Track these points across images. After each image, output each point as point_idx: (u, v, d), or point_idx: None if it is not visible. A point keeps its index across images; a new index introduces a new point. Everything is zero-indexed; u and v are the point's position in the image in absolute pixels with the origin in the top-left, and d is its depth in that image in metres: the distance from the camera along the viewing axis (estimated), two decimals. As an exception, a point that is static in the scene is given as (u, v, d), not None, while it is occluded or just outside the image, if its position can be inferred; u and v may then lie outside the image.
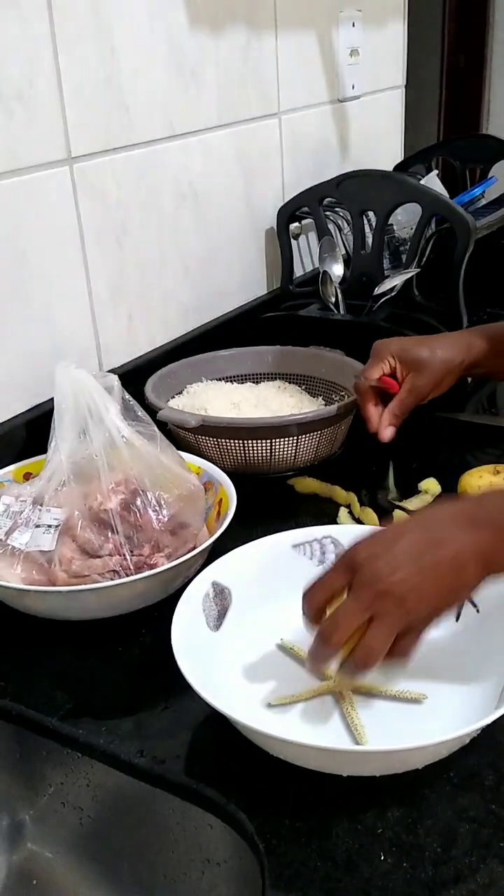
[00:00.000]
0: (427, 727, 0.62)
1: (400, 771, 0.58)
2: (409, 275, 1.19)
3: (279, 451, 0.95)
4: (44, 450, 0.79)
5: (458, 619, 0.70)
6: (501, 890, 0.52)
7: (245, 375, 1.13)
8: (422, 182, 1.29)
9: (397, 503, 0.92)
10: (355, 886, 0.52)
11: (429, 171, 1.50)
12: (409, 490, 0.94)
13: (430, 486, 0.94)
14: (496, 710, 0.56)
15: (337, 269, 1.25)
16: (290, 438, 0.94)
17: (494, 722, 0.56)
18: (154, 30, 1.03)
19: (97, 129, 0.98)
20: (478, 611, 0.69)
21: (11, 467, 0.88)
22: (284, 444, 0.94)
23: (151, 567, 0.73)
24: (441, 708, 0.64)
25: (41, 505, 0.76)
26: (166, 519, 0.76)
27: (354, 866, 0.53)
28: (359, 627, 0.56)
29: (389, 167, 1.54)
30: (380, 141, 1.62)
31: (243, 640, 0.69)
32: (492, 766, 0.60)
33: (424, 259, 1.24)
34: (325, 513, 0.91)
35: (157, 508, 0.76)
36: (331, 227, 1.30)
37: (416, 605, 0.56)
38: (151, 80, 1.05)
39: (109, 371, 1.03)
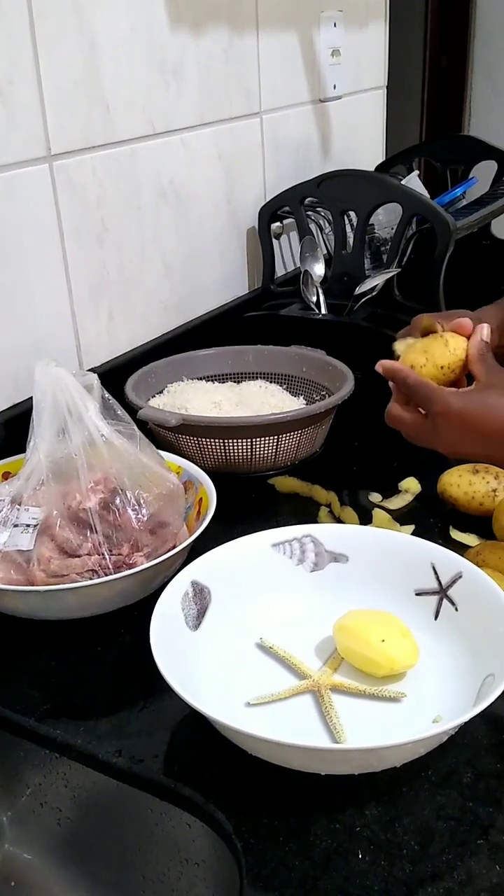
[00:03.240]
0: (405, 725, 0.63)
1: (378, 769, 0.58)
2: (390, 275, 1.19)
3: (260, 451, 0.95)
4: (22, 449, 0.79)
5: (437, 617, 0.70)
6: (478, 887, 0.52)
7: (226, 375, 1.13)
8: (403, 182, 1.29)
9: (377, 503, 0.92)
10: (333, 885, 0.52)
11: (410, 171, 1.51)
12: (389, 489, 0.94)
13: (411, 485, 0.94)
14: (473, 709, 0.56)
15: (318, 269, 1.25)
16: (271, 438, 0.94)
17: (472, 720, 0.56)
18: (135, 28, 1.03)
19: (77, 127, 0.98)
20: (456, 609, 0.69)
21: (-10, 466, 0.87)
22: (265, 444, 0.94)
23: (130, 566, 0.73)
24: (420, 706, 0.64)
25: (19, 504, 0.76)
26: (146, 518, 0.76)
27: (332, 865, 0.53)
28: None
29: (371, 167, 1.55)
30: (361, 141, 1.63)
31: (223, 640, 0.69)
32: (469, 764, 0.60)
33: (405, 259, 1.25)
34: (305, 512, 0.91)
35: (137, 507, 0.76)
36: (312, 226, 1.30)
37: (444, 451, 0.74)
38: (132, 78, 1.04)
39: (89, 370, 1.02)
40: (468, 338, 0.74)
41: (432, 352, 0.74)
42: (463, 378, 0.75)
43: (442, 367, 0.73)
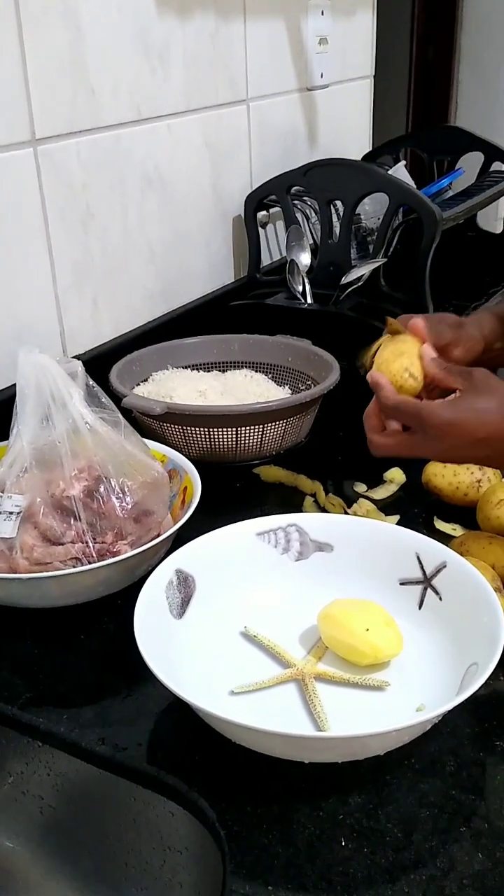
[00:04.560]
0: (389, 714, 0.63)
1: (361, 757, 0.58)
2: (376, 264, 1.19)
3: (245, 440, 0.94)
4: (5, 436, 0.78)
5: (421, 607, 0.71)
6: (461, 874, 0.52)
7: (211, 363, 1.12)
8: (389, 172, 1.29)
9: (362, 493, 0.92)
10: (316, 872, 0.52)
11: (396, 161, 1.50)
12: (374, 479, 0.94)
13: (395, 475, 0.94)
14: (456, 697, 0.56)
15: (304, 258, 1.25)
16: (256, 427, 0.94)
17: (455, 709, 0.56)
18: (121, 12, 1.02)
19: (62, 111, 0.97)
20: (440, 599, 0.69)
21: (-28, 453, 0.86)
22: (250, 433, 0.94)
23: (114, 555, 0.73)
24: (403, 695, 0.64)
25: (2, 491, 0.75)
26: (130, 506, 0.75)
27: (315, 852, 0.54)
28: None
29: (358, 157, 1.54)
30: (348, 130, 1.62)
31: (207, 628, 0.69)
32: (452, 752, 0.60)
33: (391, 249, 1.25)
34: (290, 501, 0.91)
35: (121, 496, 0.75)
36: (298, 215, 1.30)
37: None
38: (118, 62, 1.03)
39: (74, 357, 1.01)
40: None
41: (392, 370, 0.73)
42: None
43: (425, 377, 0.74)
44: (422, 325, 0.74)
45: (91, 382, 0.78)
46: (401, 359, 0.74)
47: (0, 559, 0.73)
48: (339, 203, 1.25)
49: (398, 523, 0.84)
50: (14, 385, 0.76)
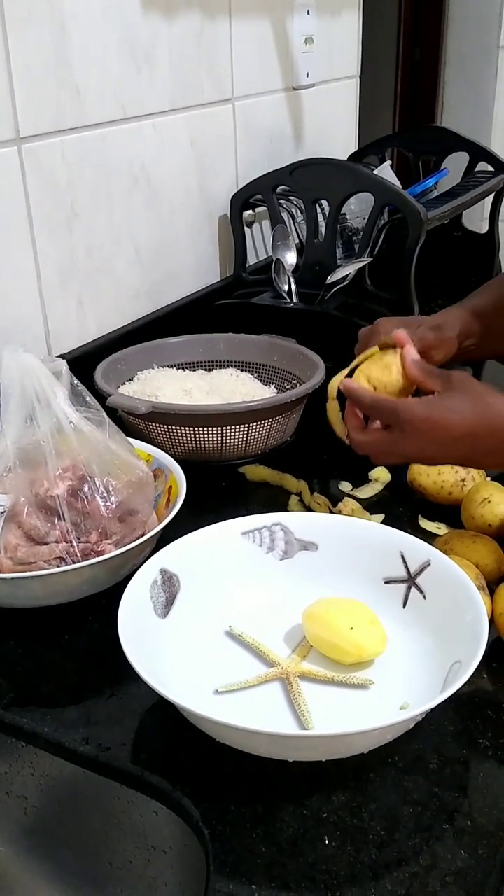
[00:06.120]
0: (373, 712, 0.63)
1: (345, 756, 0.58)
2: (362, 264, 1.20)
3: (230, 439, 0.94)
4: (-11, 435, 0.78)
5: (405, 605, 0.71)
6: (444, 871, 0.52)
7: (197, 363, 1.12)
8: (375, 172, 1.29)
9: (348, 492, 0.92)
10: (300, 870, 0.52)
11: (382, 161, 1.51)
12: (359, 478, 0.94)
13: (381, 474, 0.94)
14: (440, 695, 0.57)
15: (290, 258, 1.25)
16: (242, 426, 0.94)
17: (438, 707, 0.56)
18: (106, 10, 1.02)
19: (47, 110, 0.97)
20: (424, 597, 0.70)
21: (-44, 453, 0.86)
22: (235, 432, 0.94)
23: (99, 554, 0.72)
24: (387, 693, 0.64)
25: (-14, 491, 0.75)
26: (114, 506, 0.75)
27: (299, 851, 0.54)
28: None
29: (343, 156, 1.54)
30: (334, 130, 1.63)
31: (191, 628, 0.69)
32: (436, 750, 0.60)
33: (377, 249, 1.25)
34: (275, 501, 0.91)
35: (105, 495, 0.75)
36: (284, 215, 1.30)
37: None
38: (103, 61, 1.03)
39: (58, 356, 1.01)
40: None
41: (383, 380, 0.75)
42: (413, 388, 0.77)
43: (399, 392, 0.75)
44: (404, 335, 0.76)
45: (75, 381, 0.78)
46: (389, 372, 0.75)
47: (-16, 559, 0.73)
48: (324, 202, 1.25)
49: (383, 522, 0.84)
50: (-2, 384, 0.76)
